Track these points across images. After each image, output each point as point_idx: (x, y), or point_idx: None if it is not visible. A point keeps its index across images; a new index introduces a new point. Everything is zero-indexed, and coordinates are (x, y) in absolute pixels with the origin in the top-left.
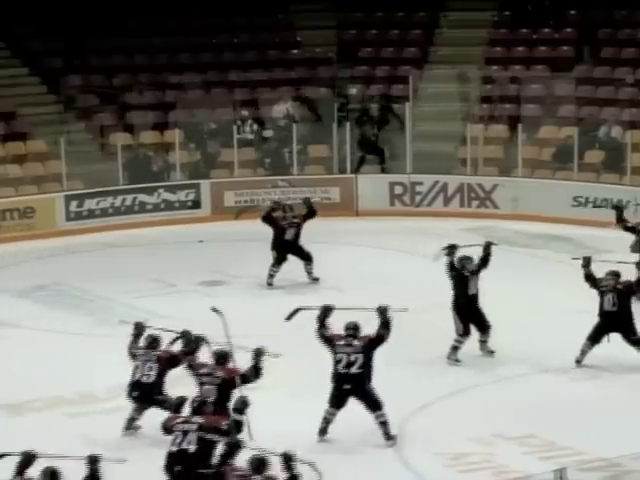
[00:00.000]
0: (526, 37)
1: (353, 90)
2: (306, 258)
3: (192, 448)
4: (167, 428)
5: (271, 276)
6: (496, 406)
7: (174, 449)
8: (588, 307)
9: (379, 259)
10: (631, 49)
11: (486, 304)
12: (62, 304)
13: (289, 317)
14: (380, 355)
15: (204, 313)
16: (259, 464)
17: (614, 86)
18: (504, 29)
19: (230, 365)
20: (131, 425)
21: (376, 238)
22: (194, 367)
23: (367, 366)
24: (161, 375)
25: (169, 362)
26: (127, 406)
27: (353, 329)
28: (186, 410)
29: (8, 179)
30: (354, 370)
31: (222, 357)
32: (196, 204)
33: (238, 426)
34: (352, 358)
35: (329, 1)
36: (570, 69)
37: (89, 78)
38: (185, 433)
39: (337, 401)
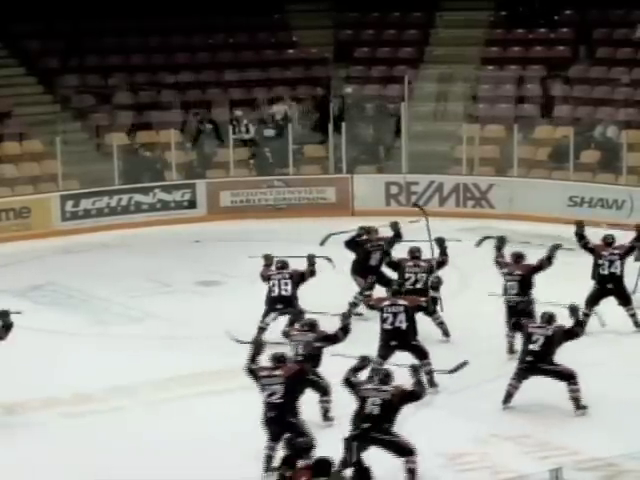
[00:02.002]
0: (522, 37)
1: (349, 90)
2: (386, 284)
3: (404, 326)
4: (375, 307)
5: (355, 305)
6: (492, 406)
7: (389, 327)
8: (583, 306)
9: None
10: (627, 49)
11: (482, 304)
12: (58, 304)
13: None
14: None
15: (200, 313)
16: (385, 376)
17: (610, 86)
18: (500, 29)
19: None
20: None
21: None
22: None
23: (412, 323)
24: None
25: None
26: (123, 406)
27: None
28: None
29: (4, 179)
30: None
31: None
32: (192, 204)
33: (434, 302)
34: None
35: (325, 1)
36: (566, 69)
37: (85, 78)
38: (395, 314)
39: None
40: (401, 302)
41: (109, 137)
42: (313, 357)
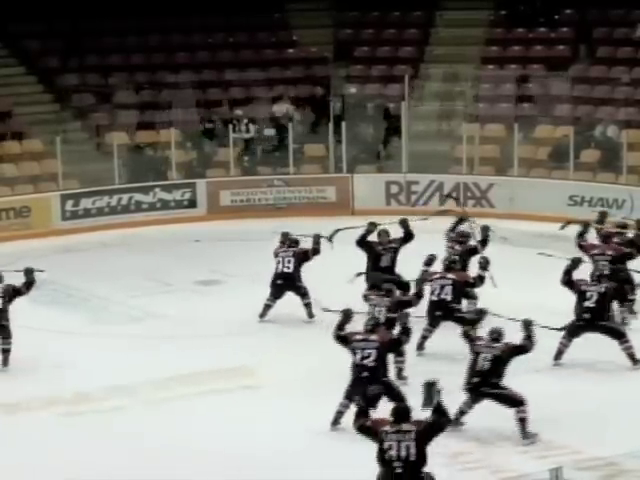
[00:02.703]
0: (522, 36)
1: (353, 89)
2: (403, 288)
3: (449, 297)
4: (425, 281)
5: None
6: (493, 405)
7: (435, 299)
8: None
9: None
10: (627, 48)
11: (480, 304)
12: (58, 303)
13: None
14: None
15: (200, 312)
16: (498, 334)
17: (610, 85)
18: (500, 28)
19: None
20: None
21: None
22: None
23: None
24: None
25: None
26: (123, 406)
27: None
28: None
29: (4, 178)
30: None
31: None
32: (192, 203)
33: (482, 279)
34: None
35: (325, 0)
36: (566, 68)
37: (85, 77)
38: (442, 287)
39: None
40: (450, 276)
41: (109, 136)
42: (391, 321)
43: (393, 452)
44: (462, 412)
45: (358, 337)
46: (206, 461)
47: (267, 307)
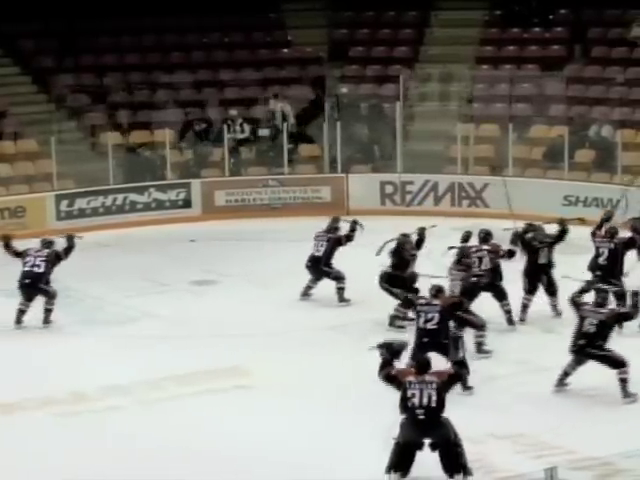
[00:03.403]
0: (517, 36)
1: (344, 89)
2: (552, 293)
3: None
4: (466, 255)
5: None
6: (487, 405)
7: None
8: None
9: (369, 258)
10: (621, 48)
11: (477, 304)
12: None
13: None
14: (375, 353)
15: (195, 312)
16: (603, 299)
17: (605, 85)
18: (495, 28)
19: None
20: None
21: (366, 237)
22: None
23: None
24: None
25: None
26: (119, 406)
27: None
28: None
29: None
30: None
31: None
32: (187, 203)
33: (512, 253)
34: (429, 316)
35: (320, 0)
36: (561, 68)
37: (80, 77)
38: (480, 259)
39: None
40: (485, 247)
41: (104, 136)
42: (470, 292)
43: (416, 400)
44: (566, 374)
45: (422, 301)
46: (201, 461)
47: (308, 288)
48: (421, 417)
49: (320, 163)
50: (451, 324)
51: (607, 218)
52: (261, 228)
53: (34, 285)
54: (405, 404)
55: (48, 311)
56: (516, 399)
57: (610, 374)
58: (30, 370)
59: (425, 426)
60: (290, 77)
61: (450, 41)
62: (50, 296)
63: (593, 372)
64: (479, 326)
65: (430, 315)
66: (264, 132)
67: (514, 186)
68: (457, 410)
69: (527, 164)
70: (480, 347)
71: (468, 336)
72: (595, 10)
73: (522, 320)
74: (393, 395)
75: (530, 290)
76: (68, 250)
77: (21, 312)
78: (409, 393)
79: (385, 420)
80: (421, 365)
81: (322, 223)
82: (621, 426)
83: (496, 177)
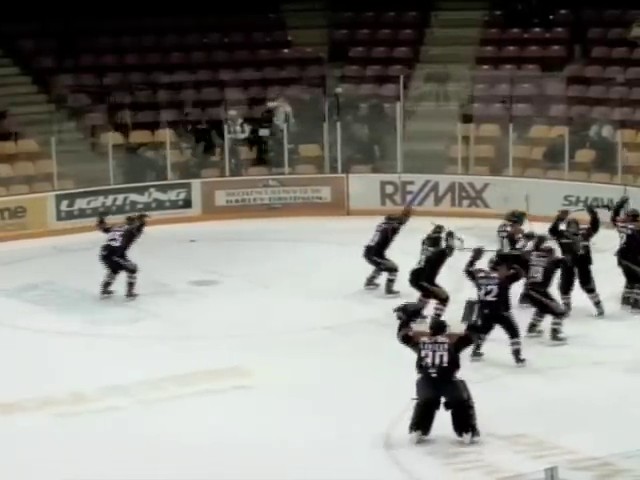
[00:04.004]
0: (517, 36)
1: (339, 89)
2: (589, 289)
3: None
4: (542, 240)
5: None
6: (487, 406)
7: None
8: (579, 305)
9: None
10: (622, 48)
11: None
12: (53, 303)
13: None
14: (374, 355)
15: (196, 312)
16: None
17: (605, 85)
18: (495, 28)
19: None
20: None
21: (367, 237)
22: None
23: (503, 296)
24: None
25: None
26: (119, 406)
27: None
28: None
29: None
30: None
31: None
32: (187, 203)
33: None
34: (489, 288)
35: (320, 0)
36: (561, 68)
37: (80, 77)
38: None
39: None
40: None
41: (104, 137)
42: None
43: (429, 359)
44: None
45: (482, 274)
46: (201, 462)
47: (372, 278)
48: (434, 376)
49: (320, 163)
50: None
51: (622, 203)
52: (261, 228)
53: (109, 257)
54: (420, 363)
55: (130, 285)
56: (516, 399)
57: (606, 375)
58: (30, 370)
59: (438, 384)
60: (290, 77)
61: (450, 41)
62: (127, 269)
63: (593, 372)
64: (558, 313)
65: (489, 287)
66: (264, 132)
67: (515, 186)
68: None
69: (527, 164)
70: (555, 334)
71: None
72: (595, 10)
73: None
74: (389, 392)
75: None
76: (140, 227)
77: (106, 284)
78: (423, 353)
79: (386, 420)
80: (435, 327)
81: (322, 223)
82: (621, 426)
83: (496, 177)
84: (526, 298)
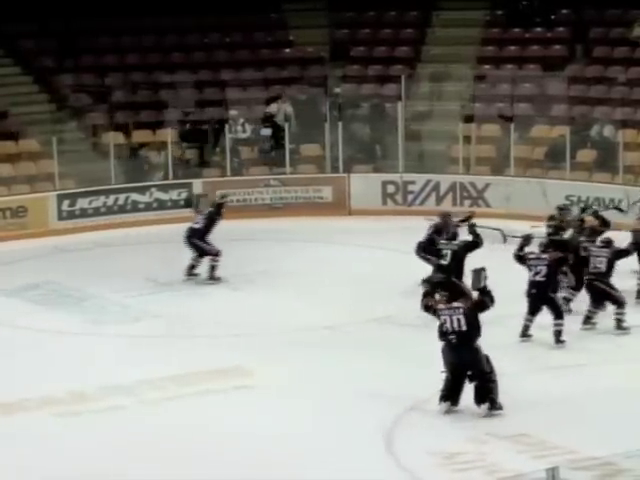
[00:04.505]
0: (518, 36)
1: (337, 90)
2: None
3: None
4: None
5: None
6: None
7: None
8: (582, 306)
9: (371, 258)
10: (623, 48)
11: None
12: (54, 303)
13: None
14: (375, 354)
15: (197, 312)
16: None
17: (606, 85)
18: (496, 28)
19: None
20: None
21: (368, 237)
22: None
23: (551, 277)
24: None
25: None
26: (120, 406)
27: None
28: None
29: (0, 178)
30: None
31: None
32: (188, 203)
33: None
34: (538, 269)
35: (321, 0)
36: (562, 68)
37: (81, 77)
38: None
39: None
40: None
41: (105, 136)
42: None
43: (448, 325)
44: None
45: (532, 256)
46: (203, 461)
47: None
48: (454, 341)
49: (322, 163)
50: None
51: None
52: (263, 228)
53: (190, 239)
54: (440, 330)
55: (212, 268)
56: (517, 398)
57: (607, 374)
58: (30, 370)
59: (459, 349)
60: (291, 77)
61: (451, 41)
62: (208, 252)
63: (595, 372)
64: (619, 302)
65: (539, 268)
66: (266, 132)
67: (516, 186)
68: (457, 410)
69: (529, 164)
70: (620, 324)
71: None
72: (596, 10)
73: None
74: (390, 391)
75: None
76: (219, 211)
77: (191, 267)
78: (441, 319)
79: (387, 420)
80: (451, 293)
81: (324, 223)
82: (622, 426)
83: (498, 177)
84: (589, 288)
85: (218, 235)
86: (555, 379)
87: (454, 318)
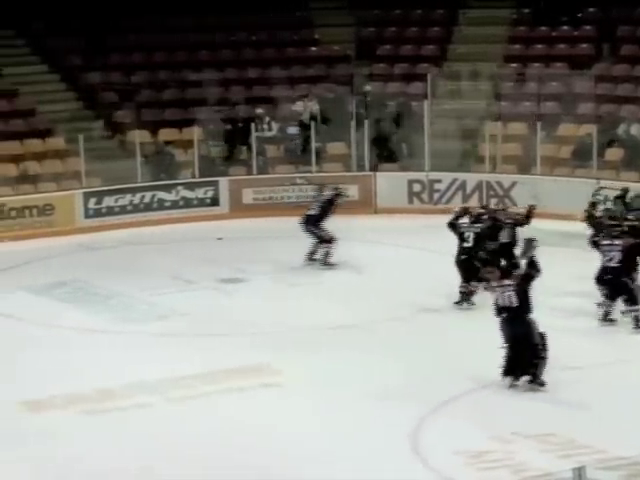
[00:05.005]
0: (545, 35)
1: (367, 87)
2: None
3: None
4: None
5: None
6: (515, 404)
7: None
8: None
9: (397, 256)
10: None
11: None
12: (81, 301)
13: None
14: (401, 353)
15: (223, 310)
16: None
17: (633, 84)
18: (523, 27)
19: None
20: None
21: (394, 236)
22: None
23: (625, 263)
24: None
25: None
26: (147, 403)
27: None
28: None
29: (28, 176)
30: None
31: None
32: (214, 201)
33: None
34: (611, 255)
35: None
36: (589, 67)
37: (108, 75)
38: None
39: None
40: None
41: (132, 134)
42: None
43: (500, 301)
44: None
45: (606, 242)
46: (228, 459)
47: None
48: (507, 316)
49: (348, 161)
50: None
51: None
52: (288, 226)
53: (305, 225)
54: (495, 306)
55: (326, 254)
56: (544, 398)
57: (636, 374)
58: (58, 368)
59: (513, 323)
60: (318, 75)
61: (478, 39)
62: (322, 238)
63: (623, 371)
64: None
65: (612, 254)
66: (292, 130)
67: (543, 185)
68: (485, 409)
69: (555, 163)
70: None
71: None
72: (624, 8)
73: None
74: (416, 391)
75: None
76: (336, 196)
77: (311, 252)
78: (495, 296)
79: (413, 419)
80: (503, 270)
81: (349, 221)
82: None
83: (524, 175)
84: None
85: (242, 233)
86: (583, 378)
87: (505, 295)
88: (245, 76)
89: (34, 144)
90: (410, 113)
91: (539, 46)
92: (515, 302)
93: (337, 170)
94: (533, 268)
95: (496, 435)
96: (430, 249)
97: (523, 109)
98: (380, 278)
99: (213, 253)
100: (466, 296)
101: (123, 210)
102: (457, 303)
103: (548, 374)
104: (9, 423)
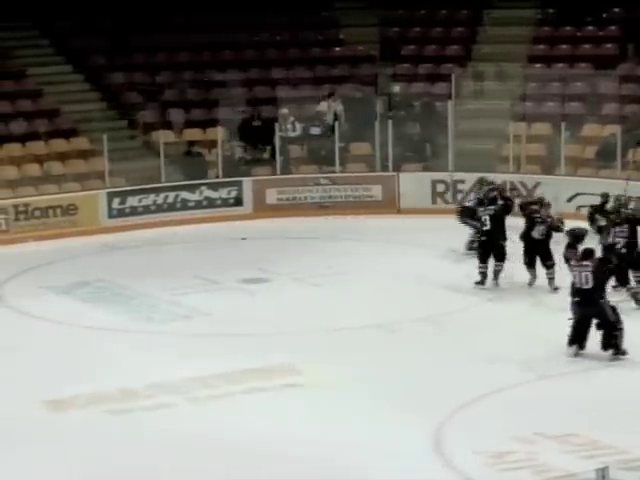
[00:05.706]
0: (570, 35)
1: (396, 88)
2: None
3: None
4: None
5: None
6: (538, 404)
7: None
8: (625, 305)
9: (420, 257)
10: None
11: (521, 301)
12: (105, 301)
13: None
14: (423, 354)
15: (247, 310)
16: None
17: None
18: (548, 27)
19: None
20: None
21: (418, 236)
22: None
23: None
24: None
25: None
26: (170, 403)
27: None
28: None
29: (51, 176)
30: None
31: None
32: (238, 201)
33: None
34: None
35: None
36: (614, 67)
37: (132, 75)
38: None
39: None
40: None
41: (156, 134)
42: None
43: (577, 281)
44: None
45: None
46: (252, 459)
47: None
48: (582, 296)
49: (371, 162)
50: None
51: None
52: (312, 226)
53: (460, 216)
54: (572, 287)
55: (471, 242)
56: (567, 398)
57: None
58: (81, 367)
59: (585, 303)
60: (342, 76)
61: (502, 39)
62: (476, 228)
63: None
64: None
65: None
66: (316, 130)
67: (566, 185)
68: (507, 409)
69: (579, 163)
70: None
71: None
72: None
73: None
74: (438, 391)
75: None
76: (501, 197)
77: (471, 242)
78: (572, 275)
79: (434, 419)
80: (584, 252)
81: (373, 222)
82: None
83: (548, 176)
84: None
85: (265, 233)
86: (606, 379)
87: (582, 275)
88: (269, 76)
89: (58, 144)
90: (434, 113)
91: (563, 46)
92: (590, 282)
93: (360, 170)
94: (610, 252)
95: (518, 435)
96: (453, 249)
97: (547, 109)
98: (403, 278)
99: (236, 253)
100: (485, 277)
101: (147, 210)
102: (478, 283)
103: (573, 375)
104: (31, 423)
